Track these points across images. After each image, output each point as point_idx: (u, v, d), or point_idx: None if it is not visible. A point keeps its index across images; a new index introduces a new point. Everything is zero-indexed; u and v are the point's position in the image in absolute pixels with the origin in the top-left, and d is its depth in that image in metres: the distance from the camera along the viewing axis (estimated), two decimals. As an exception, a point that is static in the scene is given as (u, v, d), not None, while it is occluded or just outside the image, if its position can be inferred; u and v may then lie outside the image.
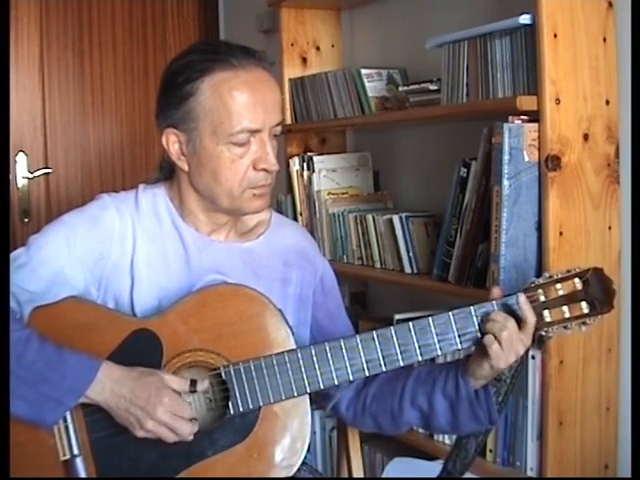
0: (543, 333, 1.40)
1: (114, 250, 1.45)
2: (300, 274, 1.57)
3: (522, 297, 1.38)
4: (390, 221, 2.26)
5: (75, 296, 1.41)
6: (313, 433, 2.52)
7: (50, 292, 1.41)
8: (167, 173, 1.55)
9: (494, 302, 1.40)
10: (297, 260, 1.58)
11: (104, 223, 1.45)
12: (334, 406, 1.60)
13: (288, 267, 1.56)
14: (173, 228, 1.49)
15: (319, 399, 1.59)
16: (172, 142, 1.45)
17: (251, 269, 1.51)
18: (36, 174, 3.30)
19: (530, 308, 1.38)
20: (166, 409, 1.31)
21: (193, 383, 1.36)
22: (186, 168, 1.46)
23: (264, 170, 1.44)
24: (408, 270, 2.22)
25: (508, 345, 1.36)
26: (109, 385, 1.32)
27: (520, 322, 1.38)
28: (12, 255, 1.43)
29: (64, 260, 1.42)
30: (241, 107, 1.40)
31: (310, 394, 1.42)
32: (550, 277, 1.40)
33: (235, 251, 1.52)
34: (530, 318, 1.37)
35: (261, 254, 1.54)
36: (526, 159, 1.77)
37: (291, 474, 1.40)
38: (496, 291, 1.42)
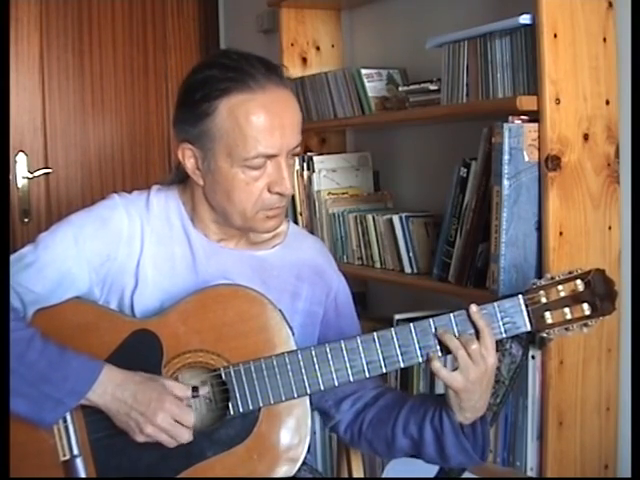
0: (545, 335, 1.40)
1: (121, 252, 1.44)
2: (310, 290, 1.56)
3: (473, 307, 1.37)
4: (390, 221, 2.26)
5: (76, 296, 1.41)
6: (313, 433, 2.52)
7: (55, 293, 1.40)
8: (182, 176, 1.53)
9: (495, 304, 1.39)
10: (309, 276, 1.56)
11: (112, 224, 1.45)
12: (333, 427, 1.60)
13: (300, 281, 1.55)
14: (183, 232, 1.49)
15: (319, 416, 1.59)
16: (188, 157, 1.44)
17: (260, 278, 1.50)
18: (36, 174, 3.30)
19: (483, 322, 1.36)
20: (167, 415, 1.31)
21: (195, 389, 1.36)
22: (201, 182, 1.45)
23: (279, 194, 1.43)
24: (408, 270, 2.22)
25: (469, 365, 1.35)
26: (111, 388, 1.31)
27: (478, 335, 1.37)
28: (19, 253, 1.43)
29: (72, 260, 1.42)
30: (257, 132, 1.37)
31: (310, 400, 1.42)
32: (552, 278, 1.39)
33: (245, 258, 1.52)
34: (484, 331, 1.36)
35: (273, 264, 1.53)
36: (526, 159, 1.77)
37: (291, 474, 1.40)
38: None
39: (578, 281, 1.38)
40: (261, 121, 1.37)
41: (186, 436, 1.33)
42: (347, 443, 1.64)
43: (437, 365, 1.36)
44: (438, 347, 1.38)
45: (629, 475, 1.71)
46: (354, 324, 1.65)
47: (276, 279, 1.52)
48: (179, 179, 1.54)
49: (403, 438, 1.50)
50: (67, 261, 1.41)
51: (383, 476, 2.22)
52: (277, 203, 1.44)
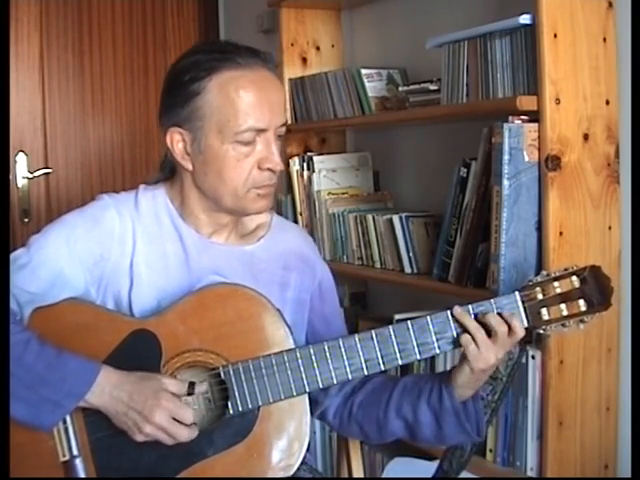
0: (541, 331, 1.40)
1: (114, 251, 1.44)
2: (299, 278, 1.57)
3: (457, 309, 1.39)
4: (390, 221, 2.26)
5: (74, 297, 1.41)
6: (313, 433, 2.52)
7: (50, 293, 1.40)
8: (167, 174, 1.54)
9: (492, 301, 1.40)
10: (297, 264, 1.57)
11: (104, 224, 1.45)
12: (321, 413, 1.60)
13: (287, 271, 1.56)
14: (173, 229, 1.49)
15: None
16: (176, 141, 1.45)
17: (250, 272, 1.51)
18: (36, 174, 3.30)
19: (499, 321, 1.37)
20: (164, 413, 1.31)
21: (191, 386, 1.35)
22: (190, 167, 1.46)
23: (269, 170, 1.44)
24: (408, 270, 2.22)
25: (485, 346, 1.37)
26: (108, 389, 1.31)
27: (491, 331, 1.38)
28: (12, 256, 1.43)
29: (64, 261, 1.42)
30: (248, 106, 1.40)
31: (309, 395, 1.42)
32: (548, 275, 1.40)
33: (235, 254, 1.52)
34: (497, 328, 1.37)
35: (261, 258, 1.54)
36: (526, 159, 1.77)
37: (291, 474, 1.40)
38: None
39: (574, 277, 1.39)
40: (251, 96, 1.40)
41: (185, 434, 1.32)
42: (337, 430, 1.64)
43: (467, 338, 1.37)
44: (436, 344, 1.39)
45: (629, 475, 1.70)
46: (337, 311, 1.66)
47: (264, 272, 1.53)
48: (165, 176, 1.55)
49: (396, 420, 1.51)
50: (59, 261, 1.42)
51: (383, 476, 2.22)
52: (267, 180, 1.45)
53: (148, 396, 1.31)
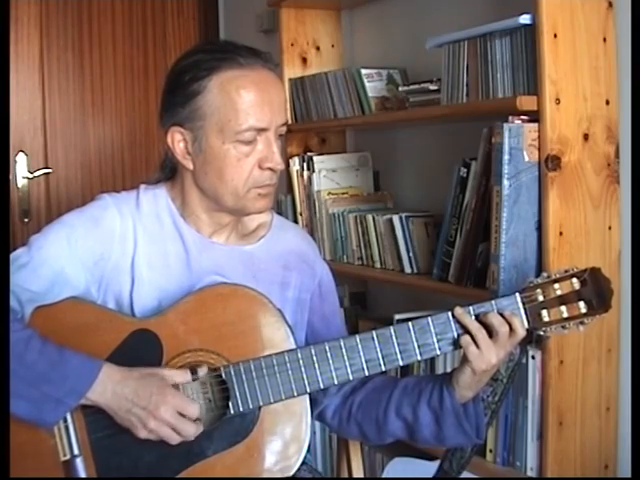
0: (541, 333, 1.40)
1: (115, 250, 1.44)
2: (299, 278, 1.57)
3: (458, 310, 1.39)
4: (390, 221, 2.26)
5: (75, 296, 1.41)
6: (313, 433, 2.52)
7: (51, 292, 1.40)
8: (168, 173, 1.55)
9: (492, 302, 1.40)
10: (297, 264, 1.58)
11: (105, 223, 1.45)
12: (320, 413, 1.60)
13: (287, 271, 1.56)
14: (174, 229, 1.49)
15: None
16: (177, 141, 1.45)
17: (251, 272, 1.51)
18: (36, 174, 3.30)
19: (502, 321, 1.37)
20: (169, 408, 1.31)
21: (194, 370, 1.35)
22: (191, 167, 1.46)
23: (270, 169, 1.44)
24: (408, 270, 2.22)
25: (486, 346, 1.37)
26: (111, 386, 1.31)
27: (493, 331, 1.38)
28: (13, 255, 1.43)
29: (65, 260, 1.42)
30: (248, 105, 1.40)
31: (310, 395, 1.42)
32: (548, 277, 1.40)
33: (235, 254, 1.52)
34: (499, 328, 1.37)
35: (261, 258, 1.54)
36: (526, 159, 1.77)
37: (290, 474, 1.40)
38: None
39: (574, 279, 1.39)
40: (251, 96, 1.40)
41: (191, 430, 1.32)
42: (335, 429, 1.64)
43: (467, 340, 1.37)
44: (437, 345, 1.39)
45: (629, 475, 1.70)
46: (335, 312, 1.66)
47: (265, 272, 1.53)
48: (166, 176, 1.55)
49: (396, 420, 1.51)
50: (60, 260, 1.42)
51: (383, 476, 2.22)
52: (268, 180, 1.45)
53: (153, 392, 1.31)
